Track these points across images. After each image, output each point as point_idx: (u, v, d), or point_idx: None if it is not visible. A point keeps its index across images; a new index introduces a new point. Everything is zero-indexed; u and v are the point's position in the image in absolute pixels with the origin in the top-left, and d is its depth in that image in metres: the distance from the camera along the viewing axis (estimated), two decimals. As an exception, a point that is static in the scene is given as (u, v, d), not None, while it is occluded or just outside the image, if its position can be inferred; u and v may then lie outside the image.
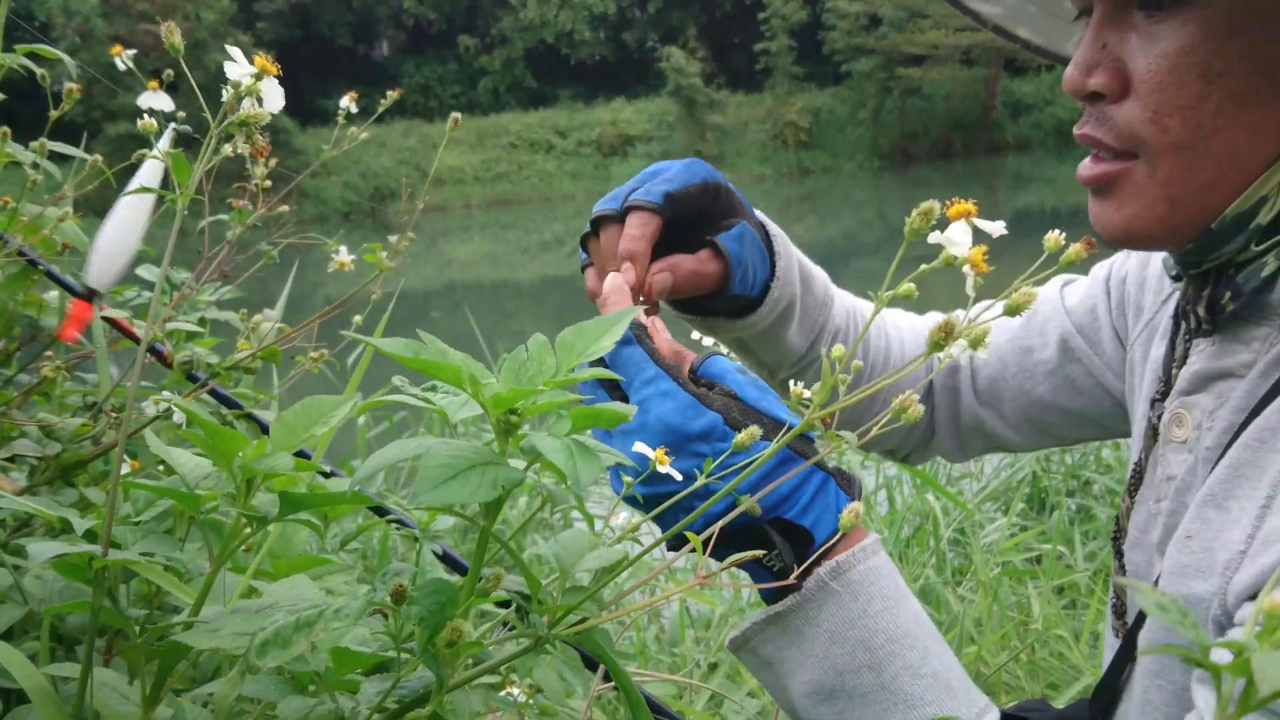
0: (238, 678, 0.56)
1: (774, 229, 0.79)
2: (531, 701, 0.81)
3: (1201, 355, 0.68)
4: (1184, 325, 0.70)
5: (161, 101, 0.76)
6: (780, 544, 0.62)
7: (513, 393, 0.48)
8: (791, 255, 0.80)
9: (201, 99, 0.55)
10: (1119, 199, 0.64)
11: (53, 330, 1.07)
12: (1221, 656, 0.27)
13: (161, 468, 0.96)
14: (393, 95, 1.08)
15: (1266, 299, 0.62)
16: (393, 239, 1.03)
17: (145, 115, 0.67)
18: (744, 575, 0.65)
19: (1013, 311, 0.44)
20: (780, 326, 0.81)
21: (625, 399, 0.65)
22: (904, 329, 0.96)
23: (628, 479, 0.60)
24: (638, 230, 0.70)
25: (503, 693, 0.79)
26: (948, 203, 0.45)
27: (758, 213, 0.79)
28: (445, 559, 0.87)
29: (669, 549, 0.61)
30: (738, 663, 1.94)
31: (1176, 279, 0.70)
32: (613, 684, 0.83)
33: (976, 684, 0.66)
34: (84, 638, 0.60)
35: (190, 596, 0.57)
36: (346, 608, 0.50)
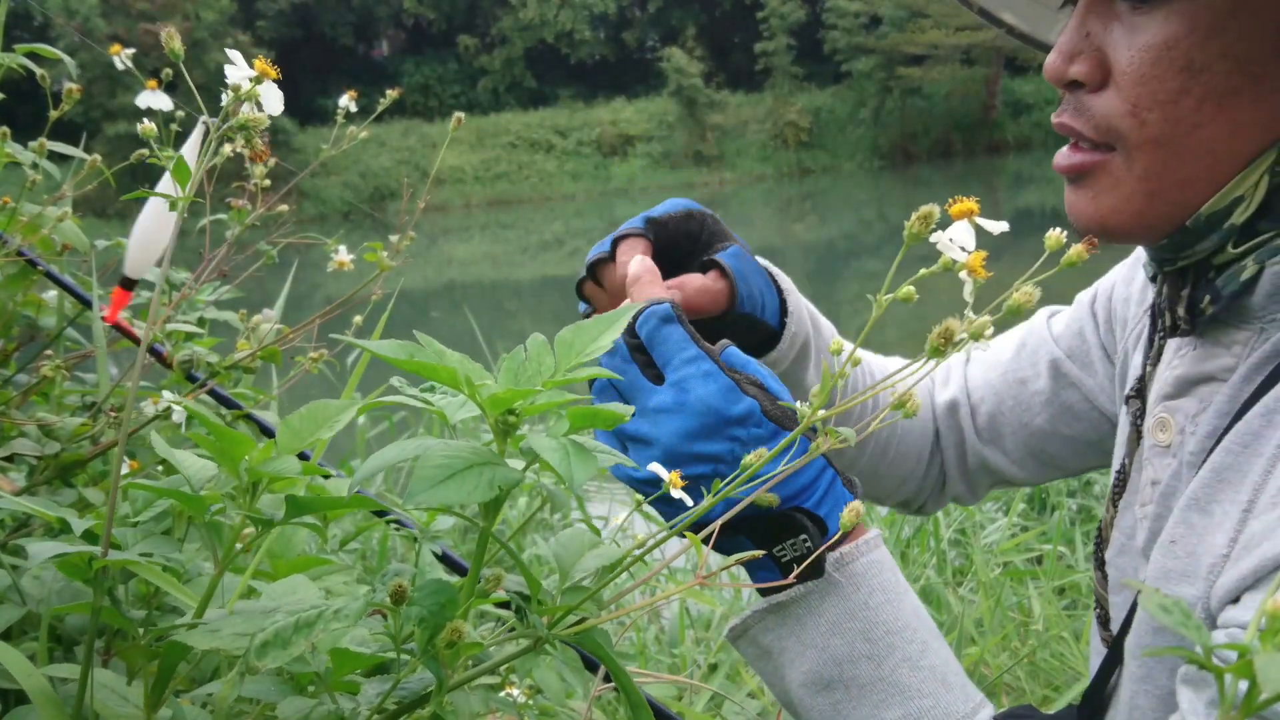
0: (237, 678, 0.56)
1: (776, 270, 0.79)
2: (531, 702, 0.81)
3: (1183, 359, 0.68)
4: (1159, 323, 0.70)
5: (160, 101, 0.75)
6: (811, 529, 0.62)
7: (510, 393, 0.48)
8: (798, 296, 0.80)
9: (200, 99, 0.55)
10: (1095, 190, 0.64)
11: (51, 330, 1.07)
12: (1222, 657, 0.27)
13: (161, 468, 0.96)
14: (392, 95, 1.08)
15: (1246, 302, 0.62)
16: (393, 239, 1.03)
17: (145, 120, 0.67)
18: (743, 575, 0.65)
19: (1014, 312, 0.44)
20: (799, 368, 0.81)
21: (657, 373, 0.65)
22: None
23: (661, 473, 0.59)
24: (628, 254, 0.70)
25: (503, 693, 0.79)
26: (950, 201, 0.45)
27: (761, 259, 0.78)
28: (444, 560, 0.87)
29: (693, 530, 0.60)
30: (738, 663, 1.94)
31: (1153, 278, 0.70)
32: (612, 684, 0.83)
33: (977, 685, 0.66)
34: (83, 638, 0.60)
35: (189, 597, 0.57)
36: (346, 608, 0.49)
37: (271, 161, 1.04)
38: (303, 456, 0.74)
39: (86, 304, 1.00)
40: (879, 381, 0.47)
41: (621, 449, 0.65)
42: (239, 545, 0.55)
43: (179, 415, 0.86)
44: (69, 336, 1.11)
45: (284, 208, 1.16)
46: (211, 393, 0.96)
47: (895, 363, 0.98)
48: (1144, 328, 0.78)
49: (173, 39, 0.57)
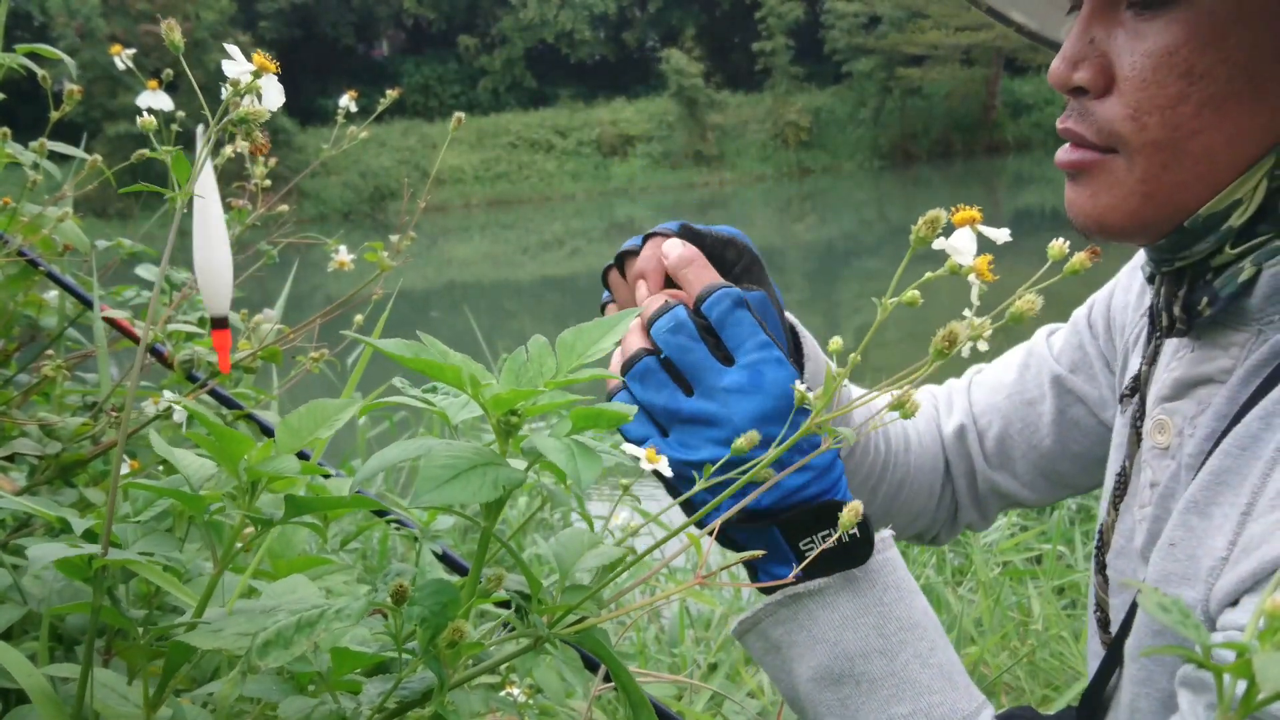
0: (238, 678, 0.56)
1: (804, 331, 0.78)
2: (531, 702, 0.81)
3: (1182, 361, 0.68)
4: (1156, 323, 0.71)
5: (161, 101, 0.75)
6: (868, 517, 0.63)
7: (513, 394, 0.48)
8: (820, 360, 0.78)
9: (202, 99, 0.55)
10: (1094, 188, 0.65)
11: (52, 330, 1.07)
12: (1222, 657, 0.27)
13: (162, 468, 0.96)
14: (392, 94, 1.08)
15: (1244, 304, 0.63)
16: (393, 239, 1.03)
17: (145, 113, 0.67)
18: (742, 574, 0.65)
19: (1016, 320, 0.44)
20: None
21: (724, 355, 0.65)
22: (917, 417, 0.95)
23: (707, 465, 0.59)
24: (650, 252, 0.70)
25: (503, 693, 0.79)
26: (953, 209, 0.45)
27: (789, 315, 0.77)
28: (445, 559, 0.87)
29: (706, 531, 0.59)
30: (738, 663, 1.94)
31: (1150, 279, 0.70)
32: (613, 684, 0.83)
33: (977, 684, 0.66)
34: (84, 638, 0.60)
35: (189, 597, 0.57)
36: (347, 608, 0.50)
37: (272, 161, 1.04)
38: (302, 456, 0.74)
39: (87, 304, 1.00)
40: (878, 387, 0.47)
41: (659, 433, 0.65)
42: (239, 545, 0.55)
43: (180, 415, 0.86)
44: (70, 336, 1.11)
45: (284, 208, 1.17)
46: (212, 393, 0.96)
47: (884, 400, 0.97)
48: (1142, 329, 0.78)
49: (173, 31, 0.57)
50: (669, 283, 0.71)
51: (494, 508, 0.50)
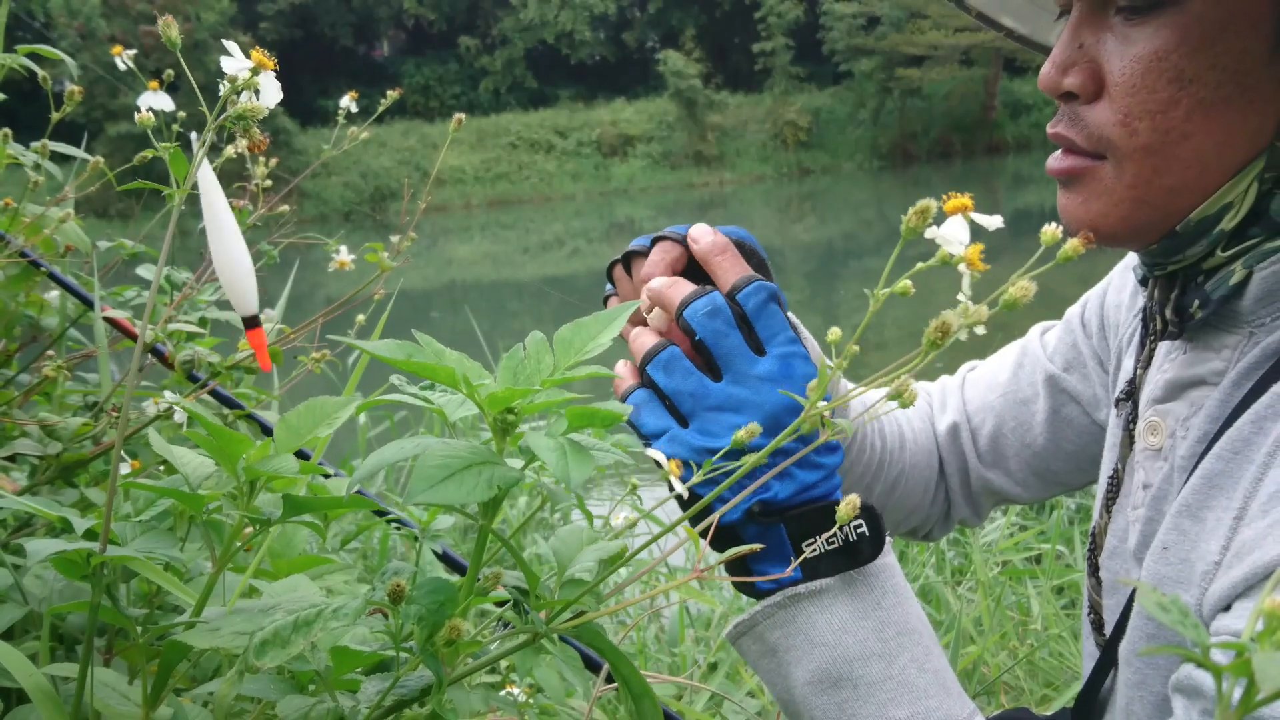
0: (237, 677, 0.56)
1: (804, 330, 0.78)
2: (531, 701, 0.81)
3: (1174, 363, 0.68)
4: (1149, 326, 0.71)
5: (162, 101, 0.75)
6: (864, 521, 0.64)
7: (509, 392, 0.48)
8: (818, 356, 0.78)
9: (202, 99, 0.55)
10: (1085, 194, 0.65)
11: (54, 330, 1.07)
12: (1217, 660, 0.27)
13: (163, 468, 0.96)
14: (392, 95, 1.08)
15: (1235, 306, 0.63)
16: (394, 239, 1.04)
17: (144, 110, 0.67)
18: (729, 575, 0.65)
19: (1010, 306, 0.43)
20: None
21: (756, 344, 0.65)
22: (912, 414, 0.96)
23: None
24: (658, 256, 0.71)
25: (503, 692, 0.79)
26: (945, 198, 0.45)
27: (791, 315, 0.78)
28: (444, 558, 0.87)
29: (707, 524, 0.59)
30: (737, 663, 1.94)
31: (1143, 282, 0.70)
32: (614, 685, 0.83)
33: (977, 684, 0.66)
34: (84, 637, 0.60)
35: (190, 596, 0.57)
36: (345, 607, 0.50)
37: (272, 162, 1.04)
38: (303, 455, 0.74)
39: (89, 304, 1.00)
40: (873, 379, 0.47)
41: (679, 424, 0.65)
42: (239, 544, 0.55)
43: (182, 415, 0.86)
44: (71, 337, 1.11)
45: (285, 208, 1.17)
46: (213, 393, 0.96)
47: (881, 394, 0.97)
48: (1135, 330, 0.78)
49: (170, 28, 0.57)
50: None
51: (491, 506, 0.50)
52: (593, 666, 0.81)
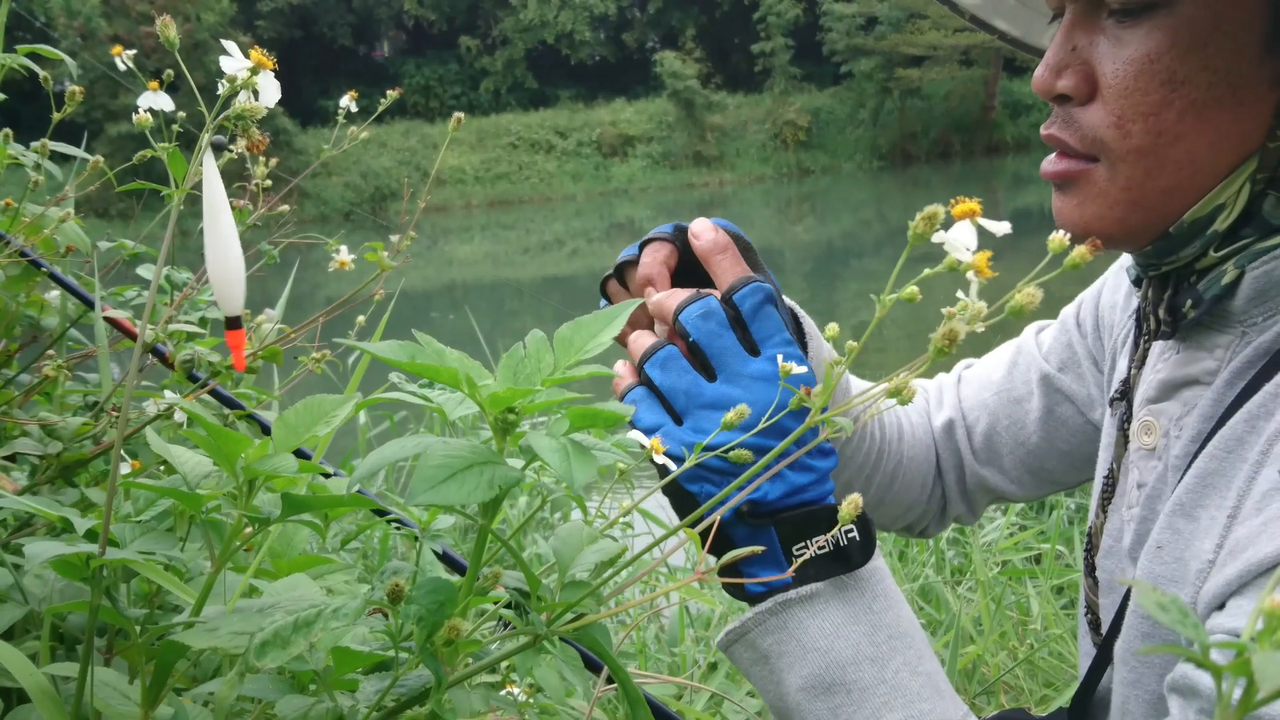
0: (237, 677, 0.56)
1: (803, 314, 0.78)
2: (532, 701, 0.81)
3: (1167, 363, 0.68)
4: (1144, 326, 0.71)
5: (162, 102, 0.75)
6: (855, 524, 0.64)
7: (509, 392, 0.48)
8: (821, 340, 0.79)
9: (201, 100, 0.55)
10: (1079, 197, 0.65)
11: (54, 330, 1.07)
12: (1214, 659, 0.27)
13: (163, 467, 0.96)
14: (393, 95, 1.08)
15: (1228, 306, 0.63)
16: (394, 239, 1.04)
17: (143, 111, 0.67)
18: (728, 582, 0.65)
19: (1016, 313, 0.44)
20: None
21: (751, 345, 0.66)
22: (910, 409, 0.96)
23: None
24: (651, 257, 0.71)
25: (503, 692, 0.79)
26: (952, 202, 0.45)
27: (787, 299, 0.78)
28: (444, 558, 0.87)
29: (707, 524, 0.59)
30: (738, 663, 1.94)
31: (1137, 282, 0.71)
32: (614, 685, 0.83)
33: (976, 684, 0.66)
34: (84, 637, 0.60)
35: (190, 595, 0.57)
36: (345, 607, 0.50)
37: (272, 162, 1.04)
38: (302, 454, 0.74)
39: (89, 304, 1.00)
40: (876, 385, 0.47)
41: (674, 422, 0.65)
42: (240, 544, 0.55)
43: (182, 414, 0.86)
44: (71, 336, 1.11)
45: (285, 208, 1.17)
46: (213, 393, 0.96)
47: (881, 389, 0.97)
48: (1130, 330, 0.78)
49: (168, 28, 0.57)
50: (674, 285, 0.71)
51: (492, 506, 0.50)
52: (593, 667, 0.81)
